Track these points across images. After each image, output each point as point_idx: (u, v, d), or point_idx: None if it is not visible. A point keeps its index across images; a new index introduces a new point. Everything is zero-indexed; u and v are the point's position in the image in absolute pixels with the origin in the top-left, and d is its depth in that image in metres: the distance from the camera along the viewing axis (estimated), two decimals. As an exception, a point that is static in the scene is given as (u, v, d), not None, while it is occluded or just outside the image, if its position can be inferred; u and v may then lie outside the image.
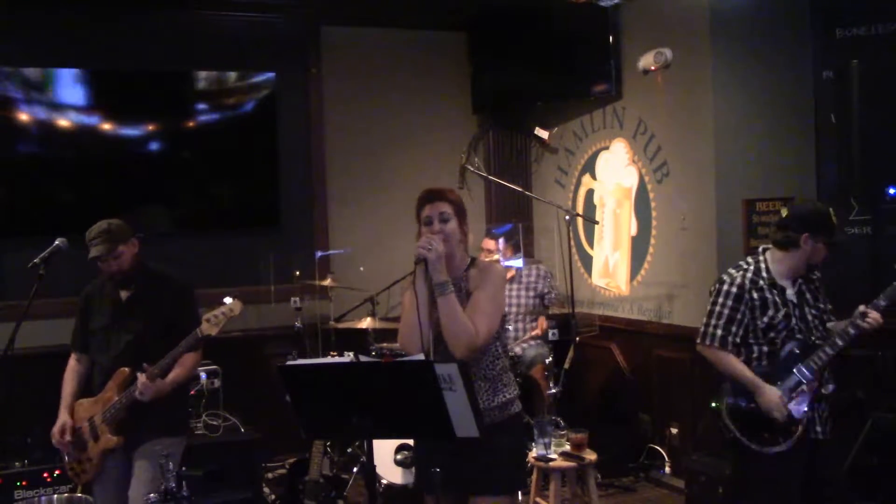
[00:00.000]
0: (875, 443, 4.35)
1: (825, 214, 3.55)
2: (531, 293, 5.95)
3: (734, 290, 3.53)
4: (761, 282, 3.53)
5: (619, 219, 6.19)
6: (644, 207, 5.89)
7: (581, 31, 6.17)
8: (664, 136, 5.68)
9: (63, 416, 3.69)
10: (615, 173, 6.18)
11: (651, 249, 5.84)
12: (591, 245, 6.49)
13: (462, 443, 2.69)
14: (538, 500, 4.77)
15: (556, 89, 6.44)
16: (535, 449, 4.59)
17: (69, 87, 5.76)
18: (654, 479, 5.66)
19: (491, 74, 6.65)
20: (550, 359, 5.61)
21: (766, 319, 3.50)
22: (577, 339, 5.68)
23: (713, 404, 3.62)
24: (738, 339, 3.54)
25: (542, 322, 5.80)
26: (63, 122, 5.76)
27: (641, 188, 5.92)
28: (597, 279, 6.42)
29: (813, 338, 3.53)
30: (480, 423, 2.58)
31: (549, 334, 5.68)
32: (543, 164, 6.99)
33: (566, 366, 5.64)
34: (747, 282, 3.52)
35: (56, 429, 3.67)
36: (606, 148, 6.27)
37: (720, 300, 3.55)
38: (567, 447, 4.57)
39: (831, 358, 3.50)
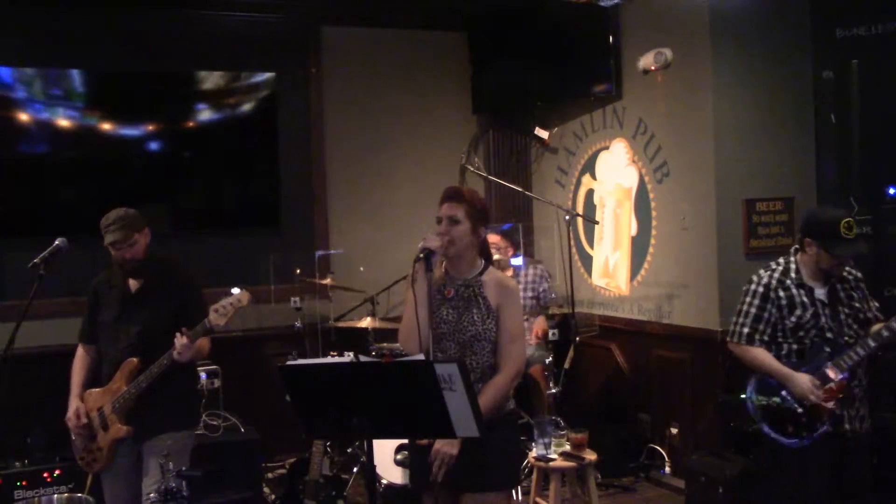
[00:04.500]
0: (875, 443, 4.34)
1: (830, 223, 3.49)
2: (529, 293, 5.95)
3: (760, 289, 3.63)
4: (788, 281, 3.61)
5: (619, 219, 6.19)
6: (644, 207, 5.89)
7: (581, 31, 6.17)
8: (664, 136, 5.68)
9: (75, 402, 3.74)
10: (615, 173, 6.18)
11: (651, 249, 5.84)
12: (591, 245, 6.49)
13: None
14: (538, 500, 4.77)
15: (556, 89, 6.44)
16: (535, 449, 4.59)
17: (69, 87, 5.76)
18: (654, 479, 5.66)
19: (491, 74, 6.65)
20: (550, 359, 5.61)
21: (794, 319, 3.58)
22: (577, 339, 5.69)
23: (741, 395, 3.70)
24: (765, 337, 3.63)
25: (540, 324, 5.79)
26: (63, 122, 5.76)
27: (641, 188, 5.92)
28: (597, 279, 6.42)
29: (844, 338, 3.57)
30: (481, 423, 2.58)
31: (550, 334, 5.68)
32: (543, 164, 6.99)
33: (566, 366, 5.64)
34: (774, 281, 3.62)
35: (71, 413, 3.71)
36: (606, 148, 6.27)
37: (748, 299, 3.67)
38: (567, 447, 4.57)
39: (862, 359, 3.53)
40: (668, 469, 5.66)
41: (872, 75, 4.78)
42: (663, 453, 5.72)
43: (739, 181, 5.31)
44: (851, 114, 4.74)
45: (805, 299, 3.57)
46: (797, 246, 3.68)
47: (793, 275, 3.61)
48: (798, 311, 3.57)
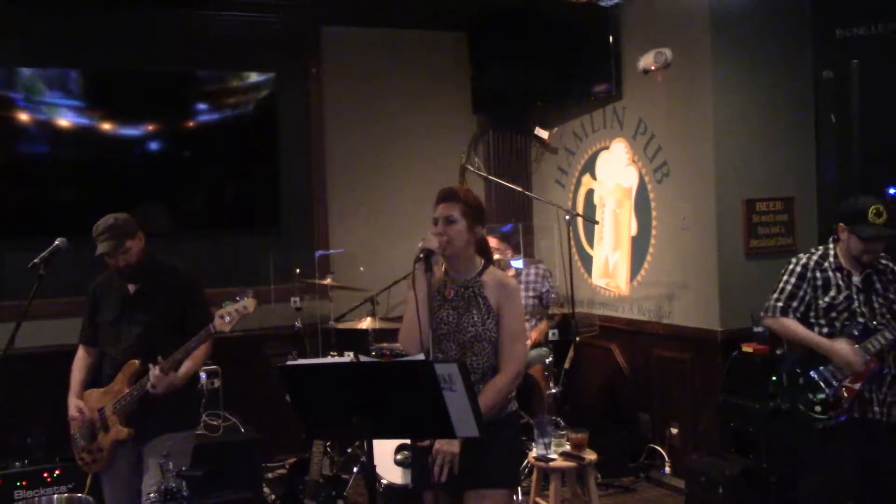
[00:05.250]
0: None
1: (860, 208, 3.65)
2: (530, 293, 5.94)
3: (798, 269, 3.79)
4: (826, 264, 3.75)
5: (619, 219, 6.19)
6: (644, 207, 5.89)
7: (581, 31, 6.17)
8: (664, 136, 5.68)
9: (74, 400, 3.72)
10: (615, 173, 6.18)
11: (651, 249, 5.84)
12: (591, 245, 6.49)
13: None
14: (538, 500, 4.77)
15: (556, 89, 6.43)
16: (535, 449, 4.59)
17: (69, 87, 5.76)
18: (654, 479, 5.66)
19: (491, 74, 6.65)
20: (550, 359, 5.61)
21: (827, 299, 3.70)
22: (577, 339, 5.68)
23: (773, 378, 3.86)
24: (798, 315, 3.76)
25: (541, 330, 5.77)
26: (63, 122, 5.76)
27: (641, 188, 5.92)
28: (597, 279, 6.42)
29: (875, 322, 3.66)
30: (480, 423, 2.59)
31: (550, 334, 5.67)
32: (543, 164, 6.99)
33: (566, 366, 5.64)
34: (812, 262, 3.77)
35: (72, 410, 3.70)
36: (606, 148, 6.27)
37: (785, 277, 3.82)
38: (567, 447, 4.57)
39: (891, 343, 3.62)
40: (668, 469, 5.66)
41: (872, 75, 4.77)
42: (663, 453, 5.72)
43: (739, 181, 5.31)
44: (851, 114, 4.75)
45: (841, 282, 3.70)
46: (835, 236, 3.79)
47: (831, 259, 3.75)
48: (832, 292, 3.69)
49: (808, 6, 5.31)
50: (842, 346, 3.62)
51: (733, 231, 5.29)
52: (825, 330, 3.72)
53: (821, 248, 3.84)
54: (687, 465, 5.04)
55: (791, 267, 3.83)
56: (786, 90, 5.36)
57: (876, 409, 3.63)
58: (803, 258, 3.82)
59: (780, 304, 3.80)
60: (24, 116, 5.67)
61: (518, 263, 5.84)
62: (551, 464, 4.50)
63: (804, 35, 5.33)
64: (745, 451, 4.82)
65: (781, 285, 3.82)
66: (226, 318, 3.50)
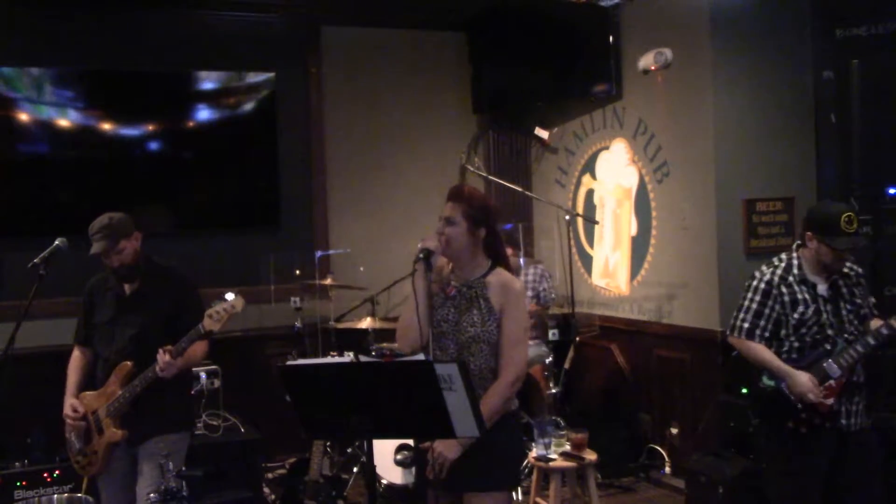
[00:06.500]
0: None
1: (831, 216, 3.51)
2: (529, 293, 5.95)
3: (762, 286, 3.64)
4: (791, 278, 3.61)
5: (619, 219, 6.19)
6: (644, 207, 5.89)
7: (581, 31, 6.17)
8: (664, 136, 5.68)
9: (70, 400, 3.72)
10: (615, 173, 6.18)
11: (651, 249, 5.84)
12: (591, 245, 6.49)
13: None
14: (538, 500, 4.77)
15: (556, 89, 6.43)
16: (535, 449, 4.59)
17: (69, 87, 5.76)
18: (654, 479, 5.66)
19: (491, 74, 6.65)
20: (550, 359, 5.61)
21: (796, 316, 3.58)
22: (577, 339, 5.69)
23: (743, 390, 3.75)
24: (766, 334, 3.64)
25: (538, 310, 5.75)
26: (63, 122, 5.76)
27: (641, 188, 5.92)
28: (597, 279, 6.42)
29: (845, 335, 3.57)
30: (481, 423, 2.58)
31: (550, 334, 5.67)
32: (543, 164, 6.99)
33: (566, 366, 5.65)
34: (776, 278, 3.62)
35: (67, 409, 3.69)
36: (606, 148, 6.27)
37: (749, 295, 3.67)
38: (567, 447, 4.57)
39: (861, 356, 3.54)
40: (668, 469, 5.66)
41: (872, 75, 4.78)
42: (663, 453, 5.72)
43: (739, 181, 5.31)
44: (851, 114, 4.75)
45: (807, 296, 3.58)
46: (799, 241, 3.67)
47: (795, 271, 3.62)
48: (801, 308, 3.57)
49: (808, 6, 5.32)
50: (801, 380, 3.50)
51: (733, 231, 5.29)
52: (796, 344, 3.60)
53: (783, 257, 3.68)
54: (687, 465, 5.04)
55: (755, 284, 3.65)
56: (786, 90, 5.36)
57: (843, 422, 3.55)
58: (767, 273, 3.65)
59: (745, 324, 3.65)
60: (24, 116, 5.67)
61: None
62: (551, 464, 4.50)
63: (804, 35, 5.34)
64: (745, 451, 4.81)
65: (746, 303, 3.67)
66: (214, 316, 3.49)
